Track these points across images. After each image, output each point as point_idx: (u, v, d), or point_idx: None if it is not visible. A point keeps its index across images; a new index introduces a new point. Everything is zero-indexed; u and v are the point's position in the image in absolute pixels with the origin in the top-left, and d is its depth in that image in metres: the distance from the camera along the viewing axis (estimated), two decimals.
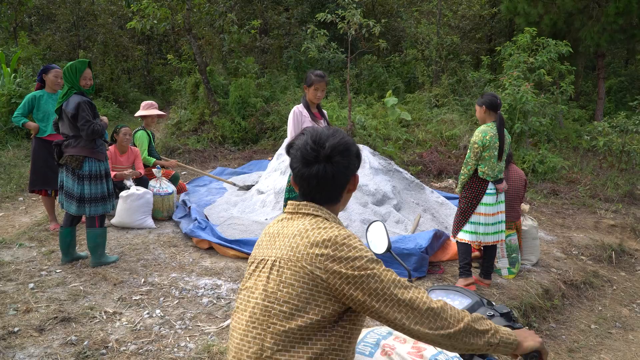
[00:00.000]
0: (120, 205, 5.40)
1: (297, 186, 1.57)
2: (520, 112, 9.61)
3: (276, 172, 6.37)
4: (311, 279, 1.38)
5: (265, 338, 1.40)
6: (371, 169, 6.05)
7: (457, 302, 1.84)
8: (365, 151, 6.34)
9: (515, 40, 11.03)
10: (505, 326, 1.56)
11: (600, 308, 4.87)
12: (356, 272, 1.36)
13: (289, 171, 6.05)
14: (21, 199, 7.06)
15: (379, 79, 13.64)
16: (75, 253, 4.54)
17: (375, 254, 1.72)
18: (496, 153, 4.22)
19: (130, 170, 5.75)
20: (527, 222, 5.16)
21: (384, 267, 1.41)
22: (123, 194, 5.38)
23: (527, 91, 9.37)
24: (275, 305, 1.39)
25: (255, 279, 1.49)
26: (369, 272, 1.36)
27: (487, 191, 4.29)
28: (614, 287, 5.36)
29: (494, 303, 1.84)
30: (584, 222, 7.39)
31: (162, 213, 5.80)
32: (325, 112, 4.34)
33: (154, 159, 6.20)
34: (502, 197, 4.41)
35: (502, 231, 4.41)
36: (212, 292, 4.07)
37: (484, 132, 4.22)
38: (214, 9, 10.56)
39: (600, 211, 7.85)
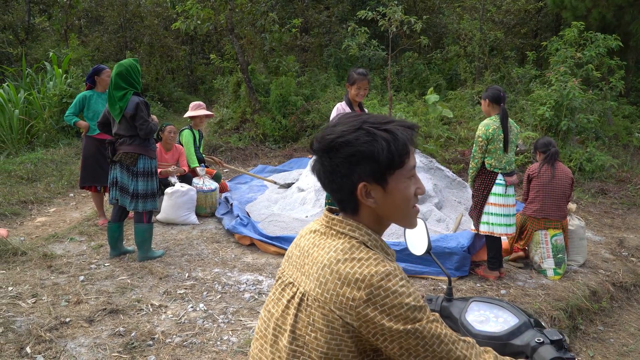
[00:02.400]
0: (166, 201, 5.55)
1: None
2: (567, 108, 9.32)
3: None
4: (342, 325, 1.15)
5: None
6: None
7: (502, 320, 1.62)
8: None
9: (562, 35, 10.70)
10: (554, 358, 1.37)
11: None
12: (394, 325, 1.12)
13: None
14: (72, 195, 7.35)
15: (420, 76, 13.49)
16: (122, 247, 4.70)
17: (415, 255, 1.55)
18: (501, 145, 4.29)
19: (175, 167, 5.90)
20: (574, 222, 5.00)
21: (428, 315, 1.16)
22: (168, 190, 5.53)
23: (574, 87, 9.07)
24: (304, 351, 1.20)
25: (283, 310, 1.27)
26: (409, 327, 1.12)
27: (497, 182, 4.36)
28: None
29: (544, 324, 1.63)
30: (634, 223, 7.11)
31: (205, 209, 5.93)
32: (367, 110, 4.32)
33: (195, 163, 6.29)
34: (510, 190, 4.42)
35: (510, 225, 4.44)
36: (254, 287, 4.13)
37: (487, 125, 4.29)
38: (255, 8, 10.69)
39: None
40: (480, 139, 4.30)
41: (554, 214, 4.68)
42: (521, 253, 5.01)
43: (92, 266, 4.44)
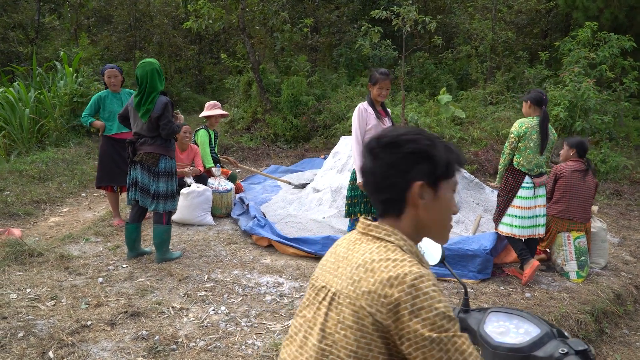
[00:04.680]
0: (181, 202, 5.50)
1: None
2: (581, 109, 9.23)
3: (332, 170, 6.34)
4: (371, 323, 1.14)
5: None
6: None
7: (523, 331, 1.53)
8: None
9: (575, 35, 10.61)
10: None
11: None
12: (420, 329, 1.09)
13: (345, 169, 6.02)
14: (84, 194, 7.32)
15: (431, 76, 13.40)
16: (140, 248, 4.65)
17: (430, 266, 1.50)
18: (532, 144, 4.27)
19: (191, 167, 5.85)
20: (595, 224, 4.93)
21: (456, 328, 1.13)
22: (184, 191, 5.48)
23: (588, 88, 8.99)
24: (333, 350, 1.19)
25: (315, 312, 1.27)
26: (434, 335, 1.09)
27: (524, 184, 4.34)
28: None
29: (567, 334, 1.53)
30: None
31: (220, 210, 5.88)
32: (389, 110, 4.27)
33: (210, 164, 6.24)
34: (540, 191, 4.41)
35: (540, 225, 4.44)
36: (275, 290, 4.08)
37: (521, 123, 4.30)
38: (267, 7, 10.64)
39: None
40: (512, 135, 4.34)
41: (580, 215, 4.62)
42: (543, 255, 4.95)
43: (110, 267, 4.40)
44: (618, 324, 4.32)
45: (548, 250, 4.91)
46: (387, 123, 4.15)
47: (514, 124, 4.35)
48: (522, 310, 1.61)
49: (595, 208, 5.01)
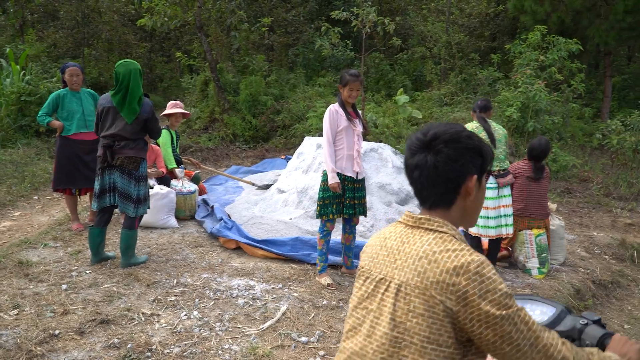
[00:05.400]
0: None
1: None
2: (533, 110, 9.60)
3: (297, 170, 6.33)
4: (442, 310, 1.24)
5: None
6: (394, 168, 6.02)
7: (539, 312, 1.66)
8: (387, 150, 6.31)
9: (525, 38, 11.02)
10: (602, 336, 1.47)
11: (629, 308, 4.86)
12: (490, 309, 1.21)
13: (311, 170, 6.02)
14: (36, 197, 7.00)
15: (386, 76, 13.61)
16: (104, 253, 4.49)
17: None
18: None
19: (154, 169, 5.70)
20: (554, 222, 5.15)
21: (516, 303, 1.25)
22: None
23: (539, 89, 9.36)
24: (405, 337, 1.27)
25: (379, 303, 1.34)
26: (503, 312, 1.21)
27: (488, 185, 4.44)
28: None
29: (572, 310, 1.69)
30: (601, 221, 7.39)
31: (184, 212, 5.76)
32: (360, 111, 4.30)
33: (173, 165, 6.09)
34: (505, 191, 4.55)
35: (506, 225, 4.58)
36: (247, 293, 4.03)
37: (467, 126, 4.45)
38: (224, 6, 10.49)
39: (615, 210, 7.85)
40: None
41: (538, 213, 4.81)
42: (505, 252, 5.11)
43: (73, 274, 4.22)
44: None
45: (510, 248, 5.09)
46: (358, 125, 4.18)
47: None
48: (531, 295, 1.74)
49: (553, 206, 5.23)
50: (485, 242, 5.03)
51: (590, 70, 19.32)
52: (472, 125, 4.56)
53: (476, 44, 14.95)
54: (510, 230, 4.61)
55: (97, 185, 4.23)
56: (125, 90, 4.04)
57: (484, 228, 4.54)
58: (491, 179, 4.49)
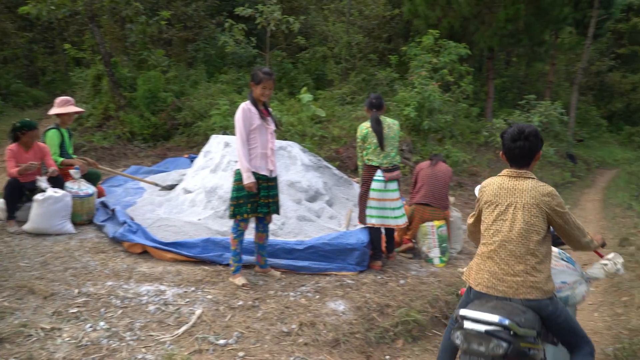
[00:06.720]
0: (35, 209, 4.91)
1: (505, 157, 2.63)
2: (428, 109, 10.15)
3: (205, 170, 6.14)
4: (543, 212, 2.48)
5: (529, 245, 2.45)
6: (303, 166, 6.06)
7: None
8: (295, 148, 6.33)
9: (419, 41, 11.62)
10: None
11: None
12: (560, 210, 2.50)
13: (220, 169, 5.88)
14: None
15: (289, 75, 13.66)
16: None
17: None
18: (374, 141, 4.70)
19: (53, 169, 5.21)
20: (453, 214, 5.50)
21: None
22: (39, 197, 4.90)
23: (434, 90, 9.92)
24: (532, 228, 2.46)
25: (512, 214, 2.49)
26: (565, 211, 2.52)
27: (376, 177, 4.73)
28: None
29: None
30: None
31: (81, 217, 5.36)
32: (270, 109, 4.27)
33: (62, 159, 5.63)
34: (391, 185, 4.78)
35: (394, 217, 4.81)
36: (158, 298, 3.85)
37: (362, 127, 4.82)
38: None
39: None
40: (358, 140, 4.85)
41: (437, 202, 5.14)
42: (410, 244, 5.36)
43: None
44: None
45: (413, 239, 5.35)
46: (271, 123, 4.15)
47: (358, 129, 4.85)
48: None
49: (452, 199, 5.56)
50: (395, 235, 5.26)
51: (475, 73, 20.89)
52: (368, 125, 4.72)
53: (374, 45, 15.48)
54: (399, 222, 4.84)
55: None
56: None
57: (375, 218, 4.74)
58: (379, 172, 4.71)
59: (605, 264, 2.99)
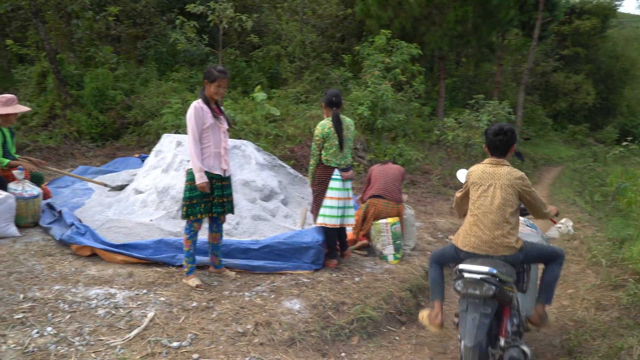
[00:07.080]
0: None
1: (487, 149, 3.35)
2: (381, 108, 10.30)
3: (156, 169, 6.01)
4: (516, 192, 3.21)
5: (505, 215, 3.15)
6: (257, 165, 6.04)
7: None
8: (250, 147, 6.29)
9: (372, 41, 11.76)
10: None
11: None
12: (528, 189, 3.24)
13: (172, 169, 5.78)
14: None
15: (242, 73, 13.54)
16: None
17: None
18: (335, 142, 4.68)
19: None
20: (406, 211, 5.60)
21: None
22: None
23: (387, 89, 10.07)
24: (507, 203, 3.18)
25: (492, 192, 3.20)
26: (532, 189, 3.27)
27: (334, 177, 4.74)
28: None
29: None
30: (441, 208, 8.21)
31: (26, 219, 5.15)
32: (223, 108, 4.23)
33: (7, 160, 5.40)
34: (348, 184, 4.86)
35: (349, 216, 4.89)
36: (107, 302, 3.75)
37: (323, 125, 4.71)
38: None
39: (452, 198, 8.76)
40: (317, 138, 4.70)
41: (389, 194, 5.24)
42: (365, 241, 5.42)
43: None
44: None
45: (368, 236, 5.42)
46: (224, 122, 4.11)
47: (317, 127, 4.72)
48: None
49: (405, 196, 5.68)
50: (350, 233, 5.33)
51: (427, 73, 21.35)
52: (329, 124, 4.66)
53: (328, 44, 15.56)
54: (352, 221, 4.94)
55: None
56: None
57: (329, 217, 4.73)
58: (336, 172, 4.73)
59: (559, 227, 4.16)
